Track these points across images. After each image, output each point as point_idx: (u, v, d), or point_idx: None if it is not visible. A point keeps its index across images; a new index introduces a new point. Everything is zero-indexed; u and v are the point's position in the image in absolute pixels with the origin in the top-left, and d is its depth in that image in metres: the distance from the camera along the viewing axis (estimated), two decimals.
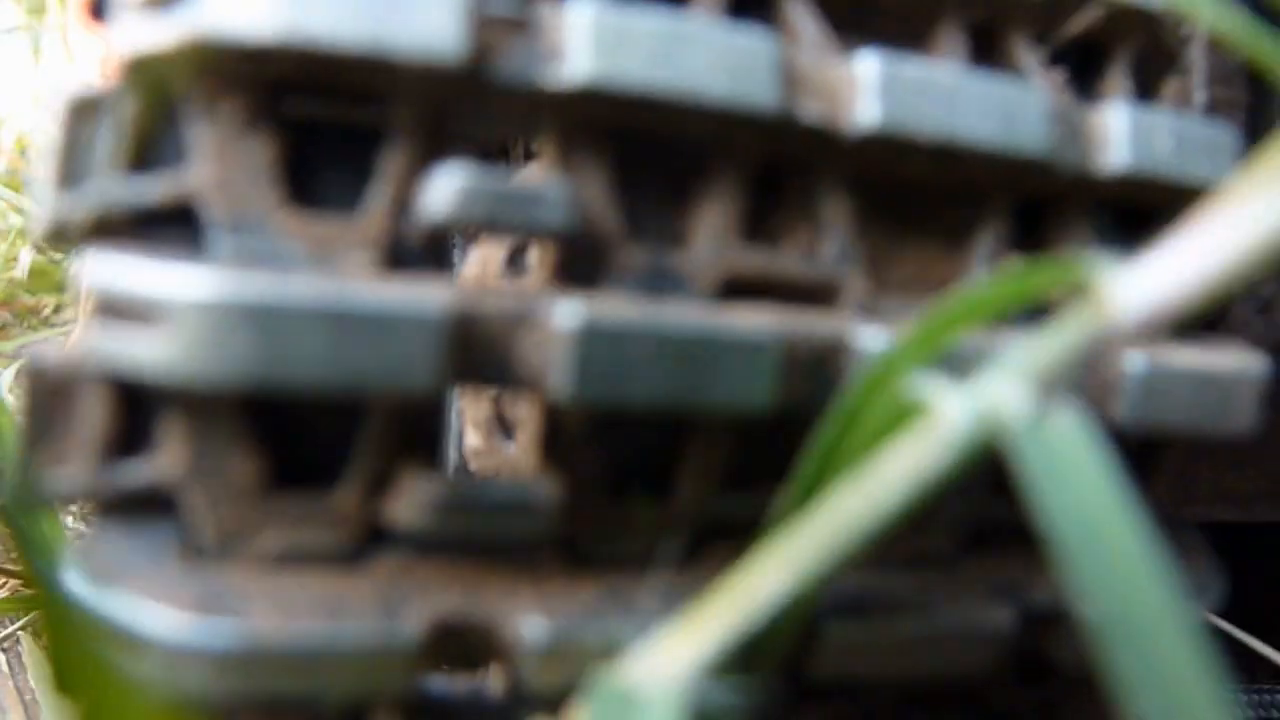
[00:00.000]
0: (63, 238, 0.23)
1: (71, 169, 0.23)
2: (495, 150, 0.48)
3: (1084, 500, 0.18)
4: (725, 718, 0.22)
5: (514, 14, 0.24)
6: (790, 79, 0.26)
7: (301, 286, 0.21)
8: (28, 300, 1.06)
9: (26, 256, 1.05)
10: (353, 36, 0.22)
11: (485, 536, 0.24)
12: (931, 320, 0.21)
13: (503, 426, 0.39)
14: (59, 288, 1.08)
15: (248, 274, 0.21)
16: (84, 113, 0.24)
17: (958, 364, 0.22)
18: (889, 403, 0.21)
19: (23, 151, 1.14)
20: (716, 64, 0.24)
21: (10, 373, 0.87)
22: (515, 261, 0.39)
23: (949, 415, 0.20)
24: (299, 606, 0.23)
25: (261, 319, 0.21)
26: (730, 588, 0.21)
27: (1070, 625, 0.29)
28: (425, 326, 0.21)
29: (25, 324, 1.07)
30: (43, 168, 0.23)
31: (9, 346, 0.98)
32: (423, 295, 0.22)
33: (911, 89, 0.27)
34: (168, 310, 0.21)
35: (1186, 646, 0.17)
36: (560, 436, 0.25)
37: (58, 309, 1.10)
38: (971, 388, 0.19)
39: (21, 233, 1.06)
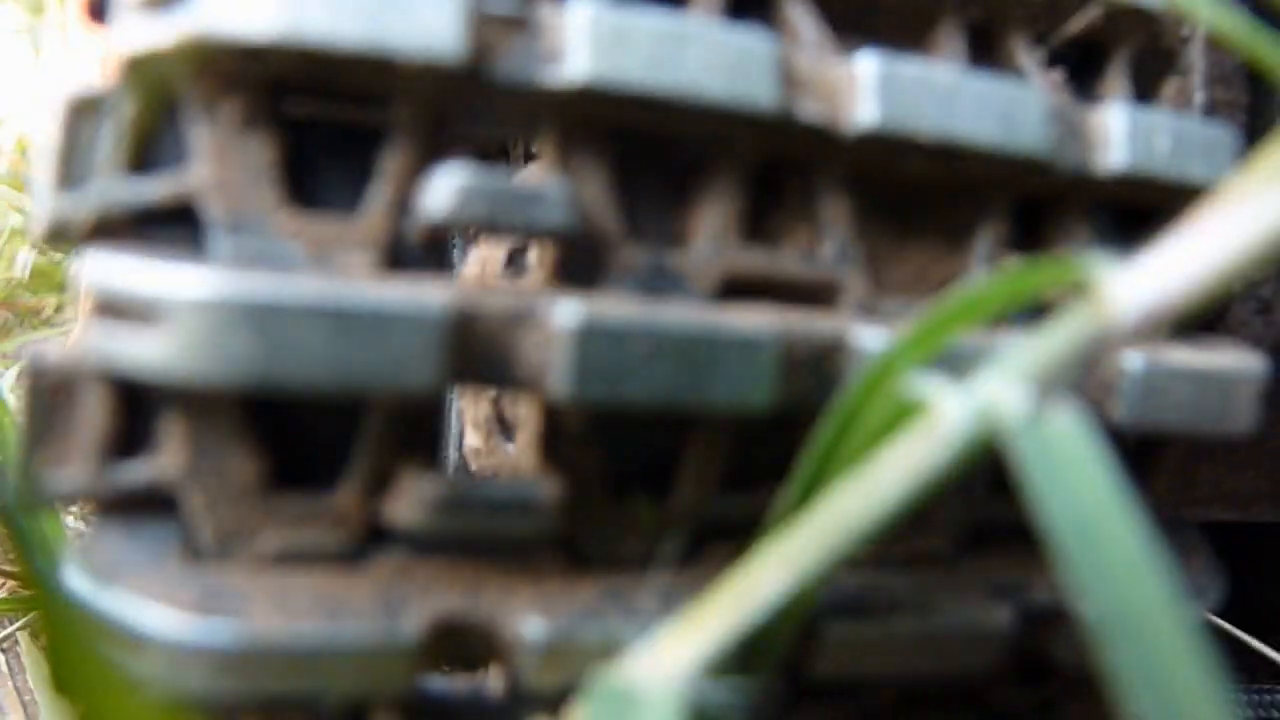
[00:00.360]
0: (62, 238, 0.23)
1: (71, 169, 0.23)
2: (495, 151, 0.48)
3: (1082, 499, 0.18)
4: (725, 717, 0.22)
5: (514, 13, 0.24)
6: (789, 79, 0.26)
7: (301, 286, 0.21)
8: (29, 300, 1.06)
9: (28, 256, 1.05)
10: (352, 36, 0.22)
11: (485, 536, 0.24)
12: (930, 319, 0.21)
13: (503, 426, 0.39)
14: (60, 288, 1.08)
15: (247, 273, 0.21)
16: (83, 112, 0.24)
17: (958, 364, 0.22)
18: (888, 402, 0.21)
19: (24, 152, 1.14)
20: (715, 64, 0.25)
21: (12, 373, 0.87)
22: (515, 261, 0.39)
23: (948, 414, 0.20)
24: (299, 606, 0.23)
25: (260, 318, 0.21)
26: (730, 588, 0.21)
27: (1070, 625, 0.29)
28: (425, 326, 0.21)
29: (27, 324, 1.07)
30: (42, 167, 0.23)
31: (10, 346, 0.98)
32: (422, 295, 0.22)
33: (910, 88, 0.27)
34: (167, 310, 0.21)
35: (1185, 646, 0.17)
36: (560, 436, 0.25)
37: (59, 309, 1.10)
38: (970, 387, 0.19)
39: (22, 232, 1.06)
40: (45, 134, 0.23)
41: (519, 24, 0.24)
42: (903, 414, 0.21)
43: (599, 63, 0.24)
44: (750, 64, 0.25)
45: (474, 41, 0.23)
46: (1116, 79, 0.33)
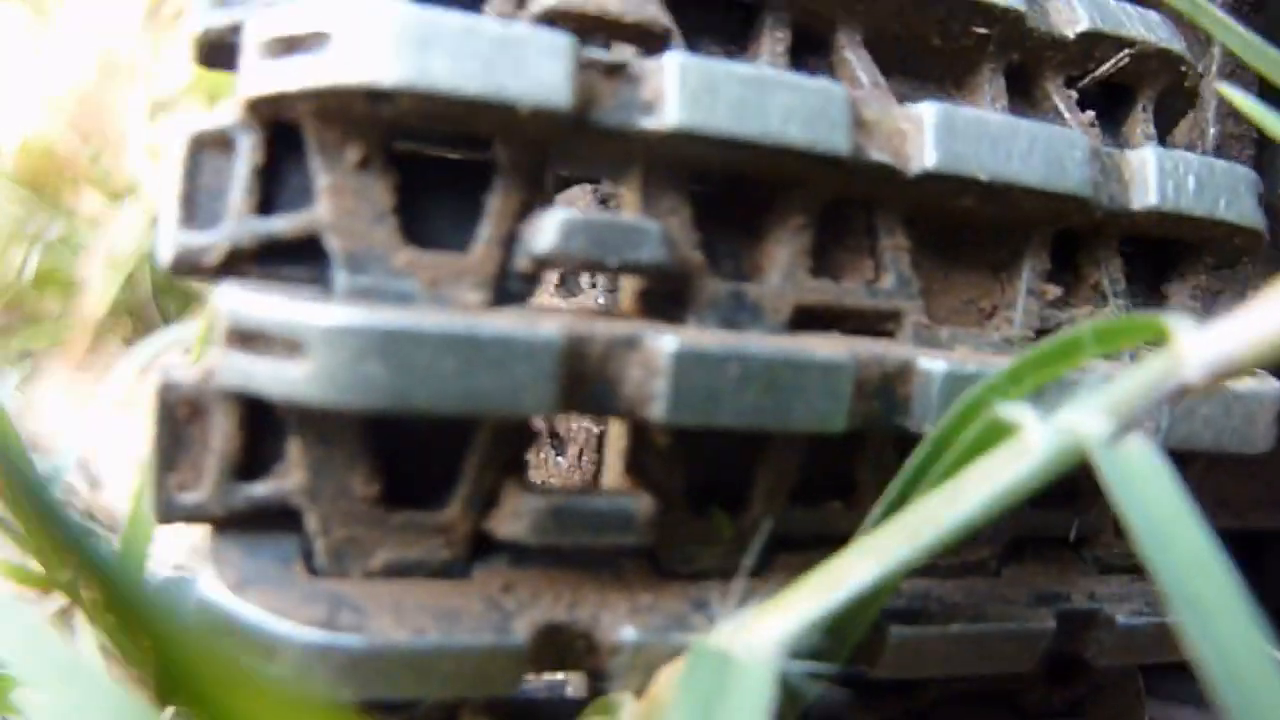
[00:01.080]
0: (189, 271, 0.24)
1: (194, 204, 0.25)
2: None
3: (1159, 513, 0.20)
4: (805, 692, 0.24)
5: (614, 61, 0.26)
6: (859, 124, 0.28)
7: (432, 318, 0.23)
8: (34, 302, 1.06)
9: (34, 258, 1.05)
10: (472, 83, 0.24)
11: (583, 549, 0.26)
12: (1032, 358, 0.23)
13: (555, 440, 0.41)
14: (65, 289, 1.08)
15: (382, 305, 0.23)
16: (206, 148, 0.25)
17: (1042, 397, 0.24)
18: (982, 427, 0.22)
19: (29, 150, 1.14)
20: (796, 110, 0.26)
21: (14, 375, 0.88)
22: (565, 282, 0.41)
23: (1036, 438, 0.22)
24: (416, 616, 0.24)
25: (397, 348, 0.22)
26: (821, 573, 0.23)
27: (1103, 629, 0.32)
28: (542, 354, 0.23)
29: (32, 326, 1.07)
30: (167, 200, 0.25)
31: (14, 347, 0.99)
32: (540, 325, 0.23)
33: (966, 132, 0.29)
34: (311, 340, 0.22)
35: (1251, 627, 0.19)
36: (647, 455, 0.27)
37: (63, 310, 1.10)
38: (1058, 417, 0.21)
39: (28, 235, 1.06)
40: (169, 167, 0.25)
41: (619, 72, 0.26)
42: (993, 437, 0.22)
43: (692, 110, 0.25)
44: (827, 111, 0.27)
45: (580, 90, 0.25)
46: (1141, 118, 0.36)
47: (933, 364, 0.27)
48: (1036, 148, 0.30)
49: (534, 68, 0.24)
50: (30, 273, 1.04)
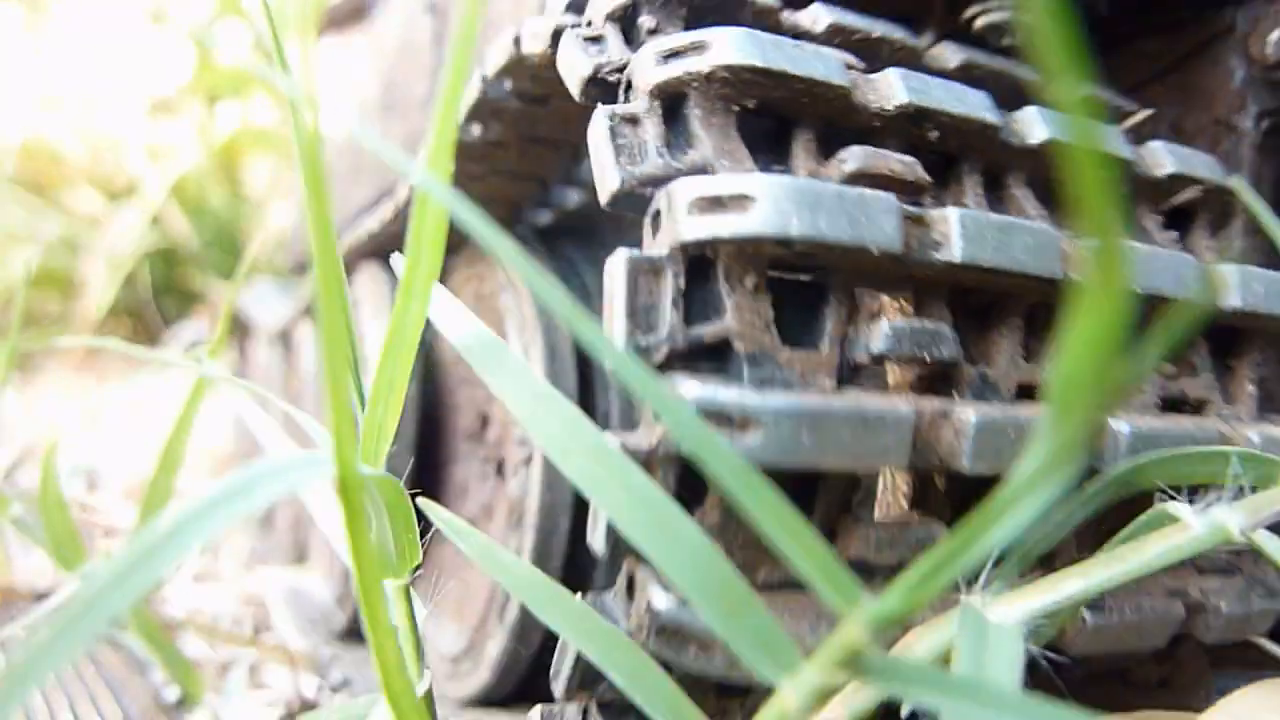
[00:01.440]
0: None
1: (636, 314, 0.33)
2: None
3: None
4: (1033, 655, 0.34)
5: (917, 214, 0.36)
6: (1065, 255, 0.39)
7: (838, 400, 0.32)
8: (33, 303, 1.08)
9: (33, 258, 1.06)
10: (844, 234, 0.33)
11: (894, 565, 0.36)
12: (1165, 460, 0.35)
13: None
14: (65, 289, 1.10)
15: (807, 392, 0.32)
16: (640, 273, 0.34)
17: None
18: (1152, 516, 0.34)
19: (32, 152, 1.14)
20: (1032, 247, 0.37)
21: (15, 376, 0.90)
22: None
23: (1195, 523, 0.33)
24: (792, 624, 0.33)
25: (819, 422, 0.32)
26: (1046, 581, 0.33)
27: (1211, 614, 0.43)
28: (903, 424, 0.33)
29: (32, 326, 1.08)
30: (615, 311, 0.33)
31: (14, 348, 1.00)
32: (897, 404, 0.33)
33: (1133, 261, 0.40)
34: (763, 418, 0.31)
35: None
36: (928, 495, 0.37)
37: (62, 316, 1.12)
38: (1210, 512, 0.32)
39: (28, 235, 1.08)
40: (613, 287, 0.34)
41: (920, 221, 0.36)
42: (1154, 523, 0.33)
43: (969, 248, 0.36)
44: (1049, 247, 0.38)
45: (904, 237, 0.35)
46: (1203, 233, 0.48)
47: (1119, 425, 0.38)
48: (1168, 268, 0.41)
49: (879, 222, 0.34)
50: (30, 273, 1.06)
